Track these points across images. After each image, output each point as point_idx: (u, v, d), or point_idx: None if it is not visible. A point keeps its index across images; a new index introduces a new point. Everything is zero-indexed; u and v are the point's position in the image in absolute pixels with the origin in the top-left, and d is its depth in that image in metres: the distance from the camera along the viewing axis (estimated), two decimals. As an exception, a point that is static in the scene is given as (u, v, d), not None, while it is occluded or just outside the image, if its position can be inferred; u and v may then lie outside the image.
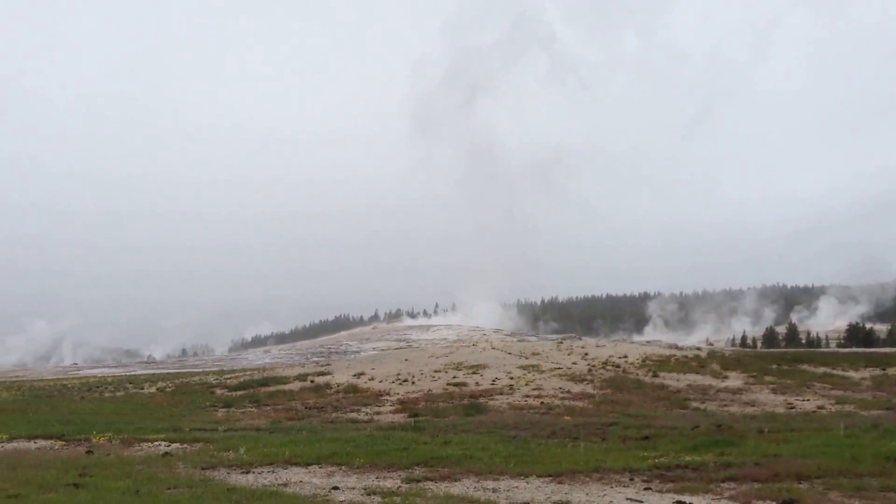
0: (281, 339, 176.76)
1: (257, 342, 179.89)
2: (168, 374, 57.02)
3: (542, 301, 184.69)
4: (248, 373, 47.89)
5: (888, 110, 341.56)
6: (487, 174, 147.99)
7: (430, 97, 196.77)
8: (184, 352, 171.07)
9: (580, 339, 66.74)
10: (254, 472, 13.48)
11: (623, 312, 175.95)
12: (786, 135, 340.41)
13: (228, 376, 44.52)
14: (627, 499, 10.94)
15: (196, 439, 18.00)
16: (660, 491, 11.48)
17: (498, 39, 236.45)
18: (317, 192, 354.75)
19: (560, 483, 12.14)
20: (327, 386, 35.25)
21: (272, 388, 35.37)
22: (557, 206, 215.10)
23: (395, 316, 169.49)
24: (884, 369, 38.04)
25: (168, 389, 38.03)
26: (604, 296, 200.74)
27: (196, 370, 63.81)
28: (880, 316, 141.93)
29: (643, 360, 41.59)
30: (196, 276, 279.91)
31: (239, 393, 34.40)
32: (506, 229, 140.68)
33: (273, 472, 13.57)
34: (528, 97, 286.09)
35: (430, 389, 32.44)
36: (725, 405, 27.23)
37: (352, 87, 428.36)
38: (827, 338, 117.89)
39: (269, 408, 29.03)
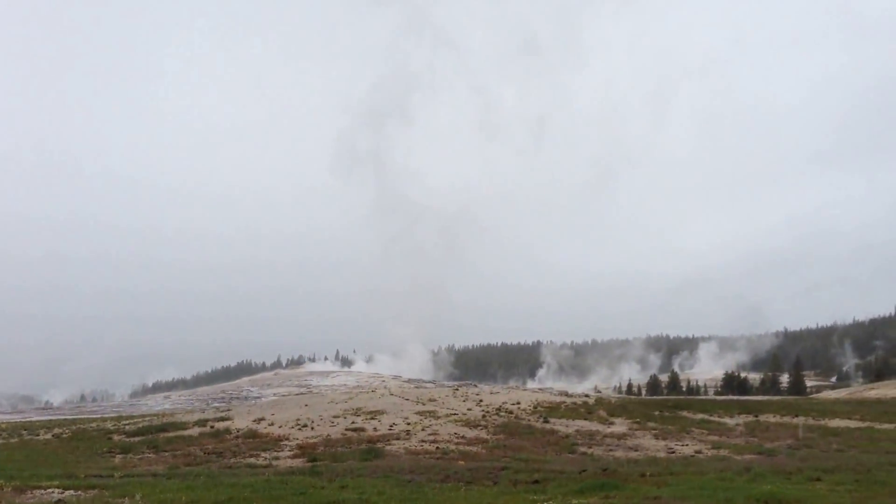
0: (183, 385, 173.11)
1: (158, 388, 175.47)
2: (65, 420, 54.16)
3: (440, 349, 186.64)
4: (147, 418, 46.04)
5: (767, 177, 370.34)
6: (393, 225, 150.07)
7: (342, 146, 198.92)
8: (83, 397, 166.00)
9: (476, 385, 67.64)
10: (149, 519, 13.27)
11: (517, 360, 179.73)
12: (677, 195, 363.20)
13: (127, 422, 42.68)
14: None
15: (91, 486, 17.36)
16: (548, 531, 12.12)
17: (416, 86, 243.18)
18: (223, 242, 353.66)
19: (455, 525, 12.62)
20: (227, 431, 34.42)
21: (171, 434, 34.21)
22: (461, 257, 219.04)
23: (296, 362, 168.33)
24: (756, 416, 40.66)
25: (64, 436, 36.16)
26: (499, 344, 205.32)
27: (94, 416, 60.77)
28: (756, 365, 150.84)
29: (535, 407, 42.74)
30: (97, 322, 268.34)
31: (137, 439, 33.12)
32: (412, 280, 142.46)
33: (169, 518, 13.40)
34: (438, 146, 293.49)
35: (328, 434, 32.25)
36: (611, 450, 28.42)
37: (265, 139, 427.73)
38: (706, 386, 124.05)
39: (167, 453, 28.12)
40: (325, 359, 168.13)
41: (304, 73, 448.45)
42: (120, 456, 27.85)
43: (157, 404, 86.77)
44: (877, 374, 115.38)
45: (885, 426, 36.39)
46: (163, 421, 41.44)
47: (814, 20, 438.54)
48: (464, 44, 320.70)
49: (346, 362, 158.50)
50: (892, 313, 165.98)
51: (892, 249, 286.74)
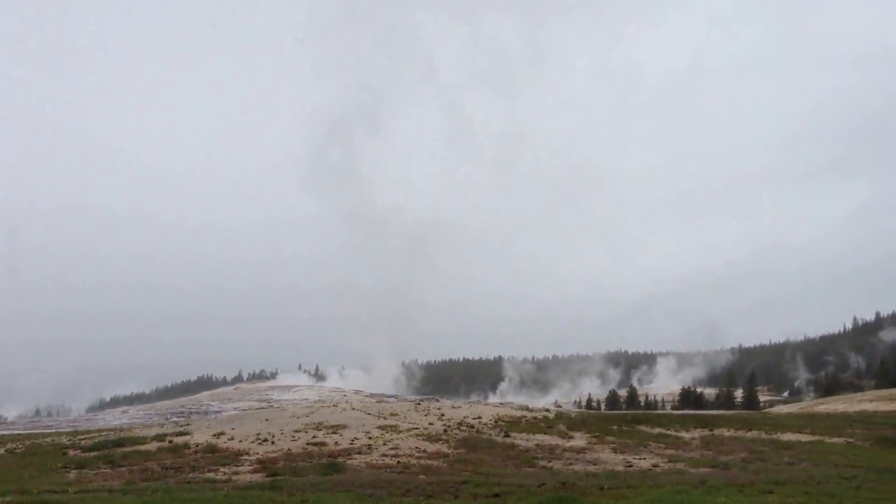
0: (142, 399, 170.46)
1: (116, 402, 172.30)
2: (19, 434, 52.87)
3: (404, 363, 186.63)
4: (104, 433, 44.96)
5: (722, 198, 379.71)
6: (361, 239, 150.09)
7: (308, 161, 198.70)
8: (38, 412, 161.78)
9: (437, 400, 67.56)
10: (105, 535, 13.10)
11: (479, 374, 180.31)
12: (637, 214, 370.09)
13: (83, 437, 41.66)
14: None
15: (45, 501, 17.03)
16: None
17: (385, 100, 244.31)
18: (187, 258, 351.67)
19: (416, 538, 12.70)
20: (186, 446, 33.82)
21: (128, 449, 33.46)
22: (426, 272, 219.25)
23: (258, 377, 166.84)
24: (711, 430, 41.36)
25: (18, 451, 35.20)
26: (461, 359, 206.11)
27: (49, 431, 59.11)
28: (712, 380, 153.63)
29: (496, 421, 42.90)
30: (54, 335, 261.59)
31: (93, 454, 32.29)
32: (377, 295, 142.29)
33: (126, 533, 13.24)
34: (405, 162, 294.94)
35: (289, 449, 31.96)
36: (570, 464, 28.68)
37: (229, 155, 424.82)
38: (663, 400, 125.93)
39: (124, 468, 27.54)
40: (287, 370, 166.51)
41: (272, 86, 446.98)
42: (75, 471, 27.25)
43: (114, 419, 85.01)
44: (826, 389, 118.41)
45: (835, 440, 37.34)
46: (120, 435, 40.63)
47: (774, 45, 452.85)
48: (433, 61, 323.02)
49: (320, 377, 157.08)
50: (842, 330, 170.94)
51: (840, 268, 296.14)
